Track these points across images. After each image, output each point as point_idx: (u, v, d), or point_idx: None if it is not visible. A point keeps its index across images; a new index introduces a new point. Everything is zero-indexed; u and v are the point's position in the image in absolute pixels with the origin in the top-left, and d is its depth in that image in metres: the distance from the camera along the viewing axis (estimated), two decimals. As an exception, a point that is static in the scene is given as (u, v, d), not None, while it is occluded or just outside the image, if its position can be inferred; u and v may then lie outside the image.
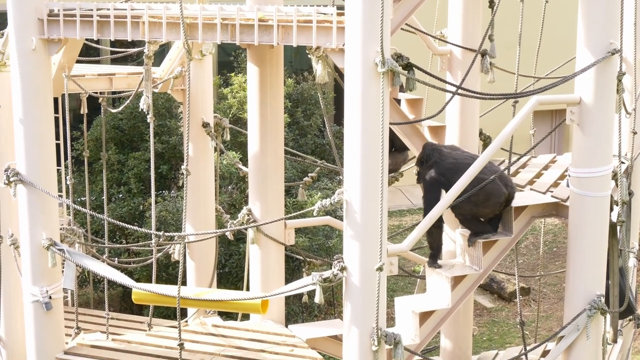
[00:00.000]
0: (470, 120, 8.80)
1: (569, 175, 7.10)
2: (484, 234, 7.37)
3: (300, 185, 9.49)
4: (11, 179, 7.16)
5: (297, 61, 18.97)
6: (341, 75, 6.31)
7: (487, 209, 7.35)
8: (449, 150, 7.62)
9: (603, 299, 7.00)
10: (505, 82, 8.77)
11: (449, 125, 8.70)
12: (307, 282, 6.44)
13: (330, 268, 6.30)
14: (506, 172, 7.61)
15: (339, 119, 16.81)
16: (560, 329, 7.11)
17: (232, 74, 15.16)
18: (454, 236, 8.12)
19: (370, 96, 5.97)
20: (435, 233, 7.42)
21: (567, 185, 7.29)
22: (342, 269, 6.23)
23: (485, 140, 9.05)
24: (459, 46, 8.70)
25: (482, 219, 7.43)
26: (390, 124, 6.77)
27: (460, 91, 7.13)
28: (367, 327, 6.21)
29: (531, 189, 8.07)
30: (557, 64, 10.05)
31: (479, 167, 6.94)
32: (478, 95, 7.18)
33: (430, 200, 7.33)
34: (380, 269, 6.10)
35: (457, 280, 7.37)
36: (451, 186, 6.98)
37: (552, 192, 7.86)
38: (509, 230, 7.41)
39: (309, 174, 9.77)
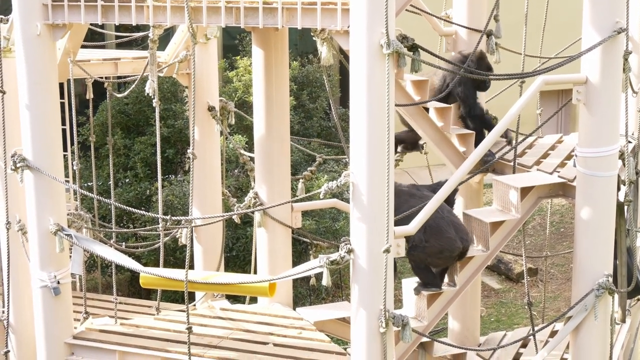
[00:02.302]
0: (476, 101, 8.79)
1: (576, 155, 7.09)
2: (433, 287, 7.31)
3: (300, 180, 9.48)
4: (18, 165, 7.17)
5: (302, 44, 18.93)
6: (346, 57, 6.29)
7: (439, 260, 7.28)
8: (407, 194, 7.44)
9: (611, 279, 7.00)
10: (511, 63, 8.73)
11: (455, 107, 8.68)
12: (315, 265, 6.45)
13: (337, 250, 6.30)
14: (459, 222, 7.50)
15: (344, 101, 16.78)
16: (568, 309, 7.11)
17: (237, 57, 15.13)
18: (461, 217, 8.11)
19: (375, 78, 5.96)
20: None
21: (574, 165, 7.28)
22: (349, 251, 6.23)
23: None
24: (464, 27, 8.67)
25: (434, 270, 7.40)
26: (396, 105, 6.75)
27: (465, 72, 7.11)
28: (374, 309, 6.22)
29: (538, 170, 8.05)
30: (564, 44, 10.00)
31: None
32: (483, 76, 7.16)
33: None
34: (387, 250, 6.10)
35: (464, 262, 7.37)
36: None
37: (558, 172, 7.84)
38: (454, 283, 7.38)
39: (309, 168, 9.74)
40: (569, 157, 8.28)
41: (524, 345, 9.27)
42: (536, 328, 8.42)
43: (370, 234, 6.14)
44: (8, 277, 8.16)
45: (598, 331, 7.12)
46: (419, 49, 6.58)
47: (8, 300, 8.24)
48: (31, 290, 7.54)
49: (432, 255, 7.24)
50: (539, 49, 9.40)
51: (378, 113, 5.98)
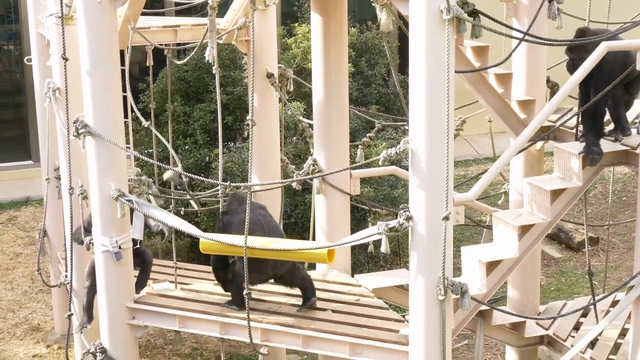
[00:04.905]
0: (537, 68, 8.67)
1: (639, 122, 6.96)
2: (234, 305, 7.38)
3: (359, 147, 9.44)
4: (80, 131, 7.25)
5: (361, 10, 18.81)
6: (405, 23, 6.24)
7: (252, 282, 7.27)
8: (253, 207, 7.42)
9: (674, 248, 6.89)
10: (574, 29, 8.58)
11: (516, 73, 8.57)
12: (373, 232, 6.44)
13: (396, 218, 6.28)
14: None
15: (403, 68, 16.67)
16: (630, 279, 7.02)
17: (296, 24, 15.09)
18: (521, 185, 8.04)
19: (435, 44, 5.90)
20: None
21: (638, 133, 7.16)
22: (408, 218, 6.20)
23: (553, 88, 8.90)
24: (526, -8, 8.53)
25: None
26: (456, 72, 6.69)
27: (527, 38, 7.00)
28: (433, 277, 6.20)
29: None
30: (630, 8, 9.80)
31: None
32: (545, 42, 7.05)
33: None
34: (446, 218, 6.06)
35: (524, 230, 7.30)
36: None
37: (622, 139, 7.71)
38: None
39: (367, 135, 9.69)
40: (632, 123, 8.14)
41: (584, 315, 9.19)
42: (597, 297, 8.34)
43: (429, 201, 6.11)
44: (71, 242, 8.29)
45: (660, 301, 7.02)
46: (480, 15, 6.50)
47: (71, 265, 8.39)
48: (93, 255, 7.65)
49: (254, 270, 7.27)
50: (603, 14, 9.22)
51: (438, 80, 5.93)
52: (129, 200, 7.28)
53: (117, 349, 7.56)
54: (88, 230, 7.78)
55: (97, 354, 7.51)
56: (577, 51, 7.59)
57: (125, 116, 8.12)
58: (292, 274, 7.53)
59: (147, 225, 7.97)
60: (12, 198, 16.42)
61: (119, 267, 7.45)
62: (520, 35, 6.92)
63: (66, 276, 9.02)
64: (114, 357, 7.53)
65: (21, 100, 17.96)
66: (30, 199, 16.31)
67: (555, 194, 7.33)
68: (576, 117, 7.94)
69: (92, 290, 8.10)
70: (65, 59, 7.58)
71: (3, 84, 18.26)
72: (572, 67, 7.67)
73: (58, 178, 10.41)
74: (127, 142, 9.09)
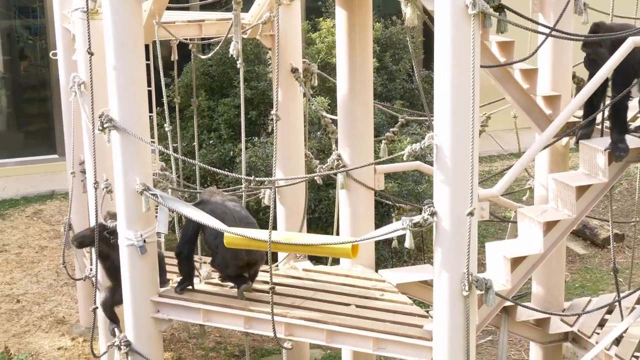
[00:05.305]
0: (563, 63, 8.62)
1: (666, 118, 6.92)
2: (242, 284, 7.61)
3: (383, 141, 9.41)
4: (105, 125, 7.27)
5: (386, 5, 18.78)
6: (430, 18, 6.22)
7: (229, 269, 7.61)
8: (220, 198, 7.82)
9: (701, 245, 6.83)
10: (600, 23, 8.52)
11: (541, 69, 8.53)
12: (397, 227, 6.43)
13: (420, 213, 6.27)
14: None
15: (428, 63, 16.62)
16: (656, 276, 6.98)
17: (321, 19, 15.09)
18: (546, 181, 8.00)
19: (460, 39, 5.88)
20: None
21: (665, 129, 7.10)
22: (433, 213, 6.19)
23: (579, 84, 8.85)
24: (552, -13, 8.48)
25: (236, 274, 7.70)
26: (481, 67, 6.66)
27: (553, 33, 6.96)
28: (457, 273, 6.18)
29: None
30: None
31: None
32: (572, 37, 7.01)
33: (187, 228, 7.78)
34: (471, 213, 6.04)
35: (549, 226, 7.27)
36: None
37: (648, 136, 7.67)
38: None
39: (391, 129, 9.66)
40: (659, 120, 8.09)
41: (609, 312, 9.13)
42: (622, 294, 8.29)
43: (454, 197, 6.09)
44: (96, 236, 8.32)
45: (687, 298, 6.98)
46: (505, 10, 6.46)
47: (96, 258, 8.42)
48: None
49: (228, 260, 7.59)
50: (630, 9, 9.15)
51: (463, 75, 5.91)
52: (153, 195, 7.30)
53: (141, 342, 7.59)
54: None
55: (122, 347, 7.54)
56: (591, 46, 7.57)
57: (150, 111, 8.15)
58: (258, 264, 7.78)
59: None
60: (37, 192, 16.54)
61: (143, 261, 7.48)
62: (547, 31, 6.88)
63: (91, 269, 9.05)
64: (138, 350, 7.56)
65: (46, 94, 18.07)
66: (55, 192, 16.42)
67: (581, 190, 7.29)
68: (601, 113, 7.89)
69: (106, 303, 8.35)
70: (91, 54, 7.60)
71: (29, 79, 18.38)
72: (588, 63, 7.65)
73: (83, 172, 10.46)
74: (152, 136, 9.12)
